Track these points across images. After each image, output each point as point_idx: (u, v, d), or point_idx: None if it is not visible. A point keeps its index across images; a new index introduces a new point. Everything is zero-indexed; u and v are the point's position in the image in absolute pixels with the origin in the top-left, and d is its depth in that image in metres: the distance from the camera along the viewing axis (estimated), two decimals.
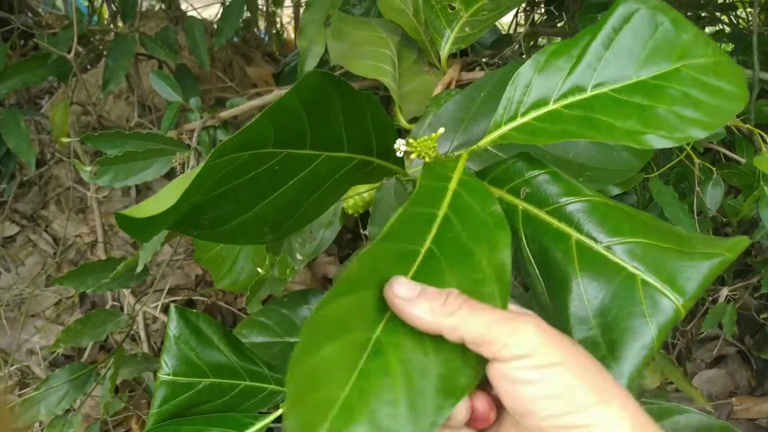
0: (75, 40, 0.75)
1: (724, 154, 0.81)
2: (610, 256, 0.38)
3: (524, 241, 0.42)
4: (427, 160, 0.48)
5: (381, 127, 0.45)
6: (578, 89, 0.43)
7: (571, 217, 0.40)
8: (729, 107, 0.41)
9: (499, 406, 0.33)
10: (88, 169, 0.55)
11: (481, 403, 0.32)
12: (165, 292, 0.98)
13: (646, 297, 0.36)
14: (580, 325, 0.37)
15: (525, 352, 0.28)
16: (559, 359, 0.28)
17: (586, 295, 0.38)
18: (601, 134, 0.40)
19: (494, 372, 0.29)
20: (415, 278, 0.33)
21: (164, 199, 0.31)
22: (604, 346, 0.36)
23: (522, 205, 0.43)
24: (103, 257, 1.04)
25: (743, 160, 0.75)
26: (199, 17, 1.54)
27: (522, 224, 0.42)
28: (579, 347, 0.30)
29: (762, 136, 0.68)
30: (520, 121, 0.44)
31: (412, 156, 0.47)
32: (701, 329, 0.97)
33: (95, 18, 1.61)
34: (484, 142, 0.45)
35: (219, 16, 1.11)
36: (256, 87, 1.45)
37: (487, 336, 0.29)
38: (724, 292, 0.95)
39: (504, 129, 0.44)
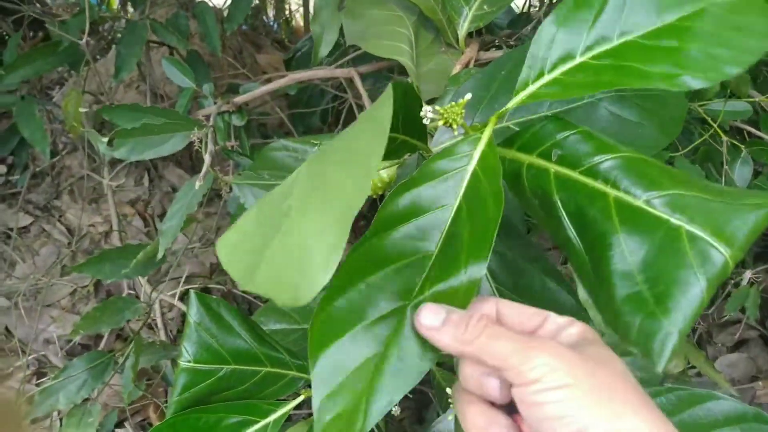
0: (87, 24, 0.74)
1: (749, 132, 0.79)
2: (651, 210, 0.36)
3: (559, 205, 0.41)
4: (455, 127, 0.46)
5: (409, 101, 0.43)
6: (604, 40, 0.42)
7: (606, 174, 0.39)
8: (758, 44, 0.39)
9: None
10: (105, 140, 0.54)
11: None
12: (182, 280, 0.98)
13: (692, 248, 0.34)
14: (624, 281, 0.36)
15: (536, 377, 0.30)
16: (568, 381, 0.29)
17: (627, 249, 0.36)
18: (634, 80, 0.39)
19: (515, 395, 0.31)
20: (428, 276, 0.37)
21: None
22: (651, 301, 0.35)
23: (554, 168, 0.41)
24: (119, 245, 1.03)
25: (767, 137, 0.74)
26: (209, 4, 1.53)
27: (555, 187, 0.41)
28: (598, 365, 0.31)
29: None
30: (548, 77, 0.42)
31: (439, 123, 0.46)
32: (724, 312, 0.95)
33: (104, 7, 1.60)
34: (513, 103, 0.44)
35: (229, 1, 1.09)
36: (266, 74, 1.43)
37: (504, 364, 0.31)
38: (747, 275, 0.93)
39: (532, 87, 0.43)
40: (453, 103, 0.44)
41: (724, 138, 0.67)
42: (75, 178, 1.29)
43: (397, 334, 0.37)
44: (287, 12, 1.95)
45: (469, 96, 0.45)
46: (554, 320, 0.34)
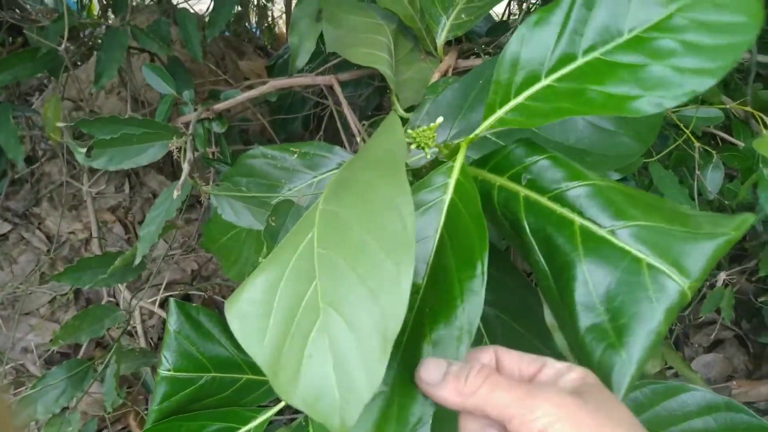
0: (66, 30, 0.73)
1: (721, 138, 0.81)
2: (614, 240, 0.37)
3: (527, 229, 0.41)
4: (426, 149, 0.47)
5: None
6: (569, 58, 0.41)
7: (573, 202, 0.39)
8: (737, 42, 0.37)
9: None
10: (83, 150, 0.54)
11: None
12: (162, 287, 0.97)
13: (652, 281, 0.35)
14: (587, 313, 0.36)
15: (540, 429, 0.30)
16: None
17: (591, 281, 0.37)
18: (594, 108, 0.39)
19: None
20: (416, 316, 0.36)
21: None
22: (612, 333, 0.35)
23: (523, 192, 0.42)
24: (98, 253, 1.03)
25: (741, 144, 0.75)
26: (190, 10, 1.52)
27: (524, 212, 0.41)
28: (602, 412, 0.30)
29: (762, 119, 0.68)
30: (513, 102, 0.42)
31: (412, 147, 0.46)
32: (699, 314, 0.97)
33: (84, 14, 1.59)
34: (480, 129, 0.44)
35: (210, 8, 1.09)
36: (248, 80, 1.43)
37: (506, 414, 0.31)
38: (722, 276, 0.95)
39: (499, 113, 0.43)
40: (424, 126, 0.44)
41: (696, 144, 0.68)
42: (55, 185, 1.28)
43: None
44: (270, 19, 1.95)
45: (440, 120, 0.46)
46: (552, 366, 0.34)
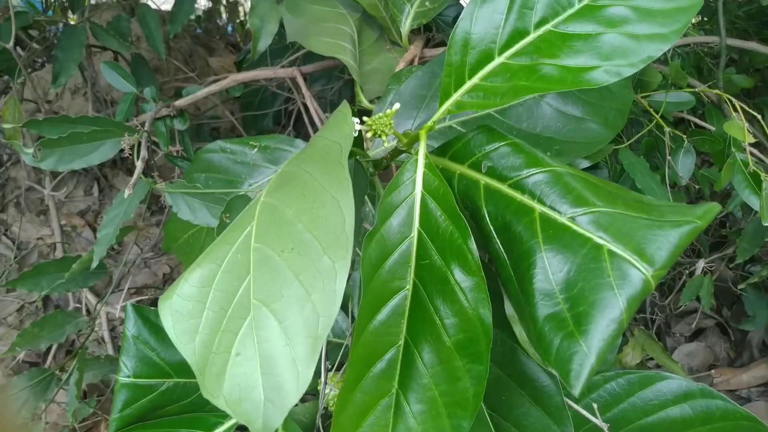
0: (14, 29, 0.70)
1: (695, 123, 0.80)
2: (574, 227, 0.35)
3: (487, 218, 0.39)
4: (384, 138, 0.45)
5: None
6: (520, 33, 0.39)
7: (533, 189, 0.38)
8: (687, 4, 0.37)
9: None
10: (30, 151, 0.51)
11: None
12: (128, 291, 0.95)
13: (613, 268, 0.33)
14: (546, 301, 0.35)
15: None
16: None
17: (550, 268, 0.35)
18: (552, 84, 0.37)
19: None
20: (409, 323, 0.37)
21: None
22: (570, 322, 0.33)
23: (483, 180, 0.40)
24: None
25: (713, 128, 0.74)
26: (155, 8, 1.49)
27: (484, 200, 0.40)
28: None
29: (731, 102, 0.66)
30: (468, 84, 0.40)
31: (368, 135, 0.45)
32: (679, 303, 0.96)
33: (50, 13, 1.55)
34: (437, 116, 0.42)
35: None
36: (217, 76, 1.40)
37: None
38: (701, 264, 0.94)
39: (455, 96, 0.41)
40: (380, 114, 0.42)
41: (667, 128, 0.67)
42: (21, 190, 1.24)
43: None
44: (241, 14, 1.92)
45: (397, 106, 0.44)
46: None
